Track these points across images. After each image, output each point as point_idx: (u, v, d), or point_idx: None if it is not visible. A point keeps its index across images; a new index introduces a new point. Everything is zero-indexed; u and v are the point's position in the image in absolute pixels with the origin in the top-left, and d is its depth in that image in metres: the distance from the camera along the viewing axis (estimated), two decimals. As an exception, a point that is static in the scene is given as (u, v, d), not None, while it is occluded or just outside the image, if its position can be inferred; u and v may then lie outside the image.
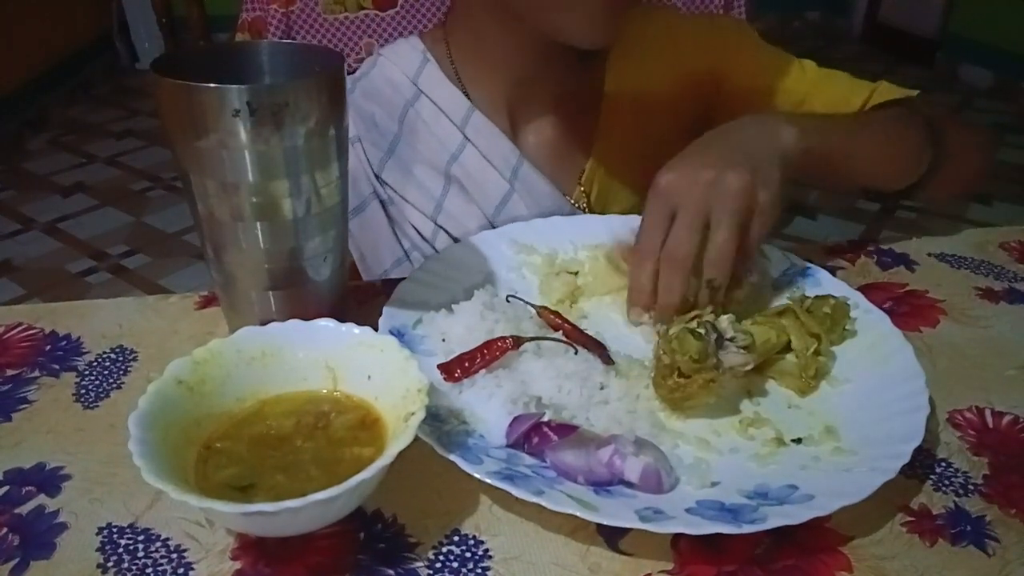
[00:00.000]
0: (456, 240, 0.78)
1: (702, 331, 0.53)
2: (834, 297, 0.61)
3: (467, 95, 0.82)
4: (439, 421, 0.51)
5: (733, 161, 0.58)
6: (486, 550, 0.45)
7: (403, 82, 0.82)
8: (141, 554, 0.45)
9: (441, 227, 0.80)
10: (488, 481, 0.45)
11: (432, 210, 0.80)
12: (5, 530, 0.47)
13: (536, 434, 0.50)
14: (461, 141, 0.80)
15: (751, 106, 0.83)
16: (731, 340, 0.53)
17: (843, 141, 0.68)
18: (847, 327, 0.61)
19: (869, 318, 0.61)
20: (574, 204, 0.83)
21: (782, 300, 0.62)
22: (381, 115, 0.81)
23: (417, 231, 0.81)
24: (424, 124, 0.81)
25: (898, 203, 0.70)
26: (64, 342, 0.63)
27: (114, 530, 0.46)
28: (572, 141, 0.84)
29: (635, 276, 0.61)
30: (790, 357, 0.57)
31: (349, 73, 0.56)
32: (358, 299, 0.67)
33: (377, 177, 0.80)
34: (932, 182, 0.75)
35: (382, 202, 0.81)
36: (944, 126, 0.75)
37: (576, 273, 0.68)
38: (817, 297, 0.61)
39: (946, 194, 0.80)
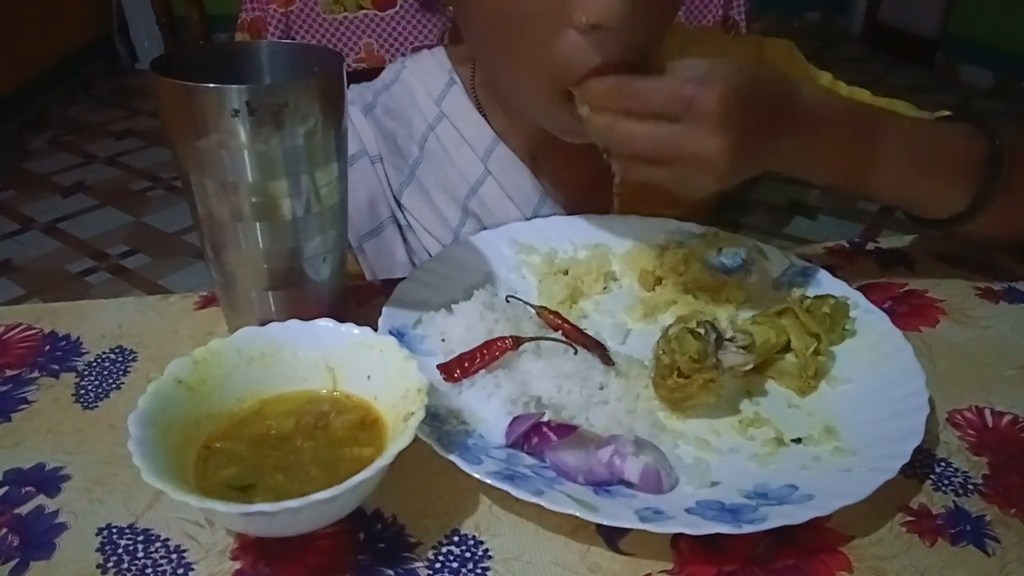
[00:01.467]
0: None
1: (701, 331, 0.53)
2: (834, 297, 0.61)
3: (491, 124, 0.78)
4: (439, 421, 0.51)
5: (752, 164, 0.56)
6: (486, 550, 0.45)
7: (426, 102, 0.79)
8: (141, 554, 0.45)
9: None
10: (488, 481, 0.45)
11: (449, 240, 0.78)
12: (5, 530, 0.47)
13: (536, 434, 0.50)
14: (482, 173, 0.78)
15: None
16: (731, 340, 0.54)
17: (902, 178, 0.63)
18: (847, 327, 0.61)
19: (869, 318, 0.61)
20: None
21: (782, 300, 0.62)
22: (403, 135, 0.79)
23: None
24: (445, 152, 0.78)
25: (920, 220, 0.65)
26: (64, 342, 0.63)
27: (114, 530, 0.46)
28: (597, 179, 0.80)
29: (613, 92, 0.56)
30: (790, 357, 0.57)
31: (348, 73, 0.56)
32: (358, 299, 0.67)
33: (397, 201, 0.78)
34: (982, 214, 0.64)
35: (400, 227, 0.79)
36: (1018, 156, 0.64)
37: (566, 273, 0.67)
38: (817, 297, 0.61)
39: (1005, 236, 0.69)
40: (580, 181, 0.81)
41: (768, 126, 0.57)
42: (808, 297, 0.61)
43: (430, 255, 0.78)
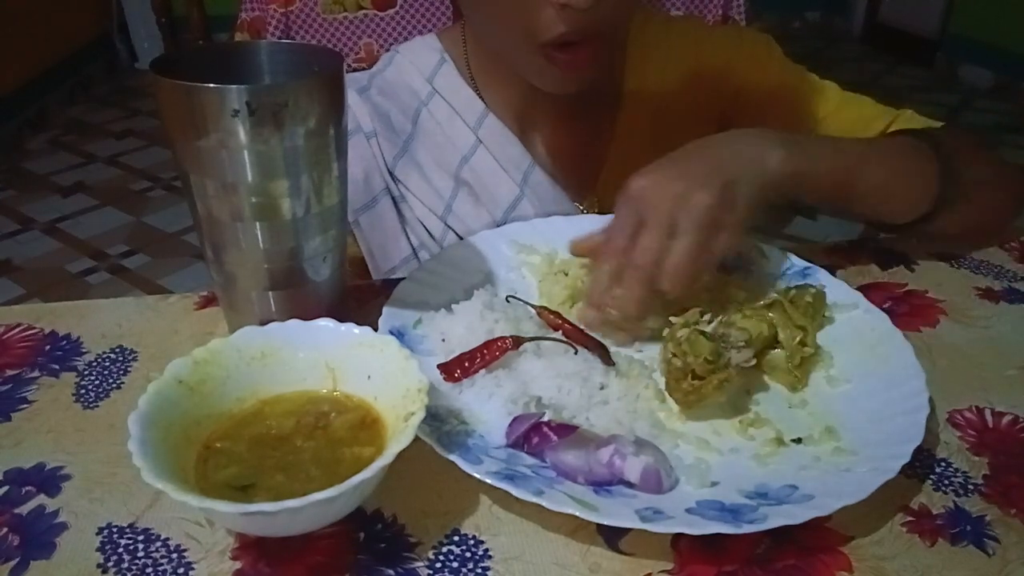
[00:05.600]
0: None
1: (708, 331, 0.53)
2: (812, 286, 0.62)
3: (482, 98, 0.82)
4: (439, 421, 0.51)
5: (705, 178, 0.58)
6: (486, 550, 0.45)
7: (419, 81, 0.82)
8: (141, 554, 0.45)
9: (450, 227, 0.80)
10: (488, 481, 0.45)
11: (442, 210, 0.80)
12: (5, 530, 0.47)
13: (536, 434, 0.50)
14: (474, 143, 0.81)
15: (766, 123, 0.83)
16: (730, 337, 0.54)
17: (839, 168, 0.65)
18: (825, 314, 0.62)
19: (869, 318, 0.61)
20: (585, 211, 0.83)
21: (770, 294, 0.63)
22: (396, 113, 0.81)
23: (427, 230, 0.81)
24: (437, 125, 0.81)
25: (898, 229, 0.69)
26: (64, 342, 0.63)
27: (114, 530, 0.46)
28: (586, 148, 0.84)
29: (595, 274, 0.61)
30: (779, 351, 0.57)
31: (348, 73, 0.56)
32: (358, 299, 0.67)
33: (391, 174, 0.80)
34: (941, 220, 0.70)
35: (394, 199, 0.81)
36: (965, 163, 0.69)
37: (567, 273, 0.68)
38: (798, 287, 0.61)
39: (961, 233, 0.74)
40: (567, 148, 0.84)
41: (698, 151, 0.62)
42: (791, 288, 0.61)
43: (424, 227, 0.81)
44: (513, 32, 0.68)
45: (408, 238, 0.81)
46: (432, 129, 0.81)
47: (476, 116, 0.81)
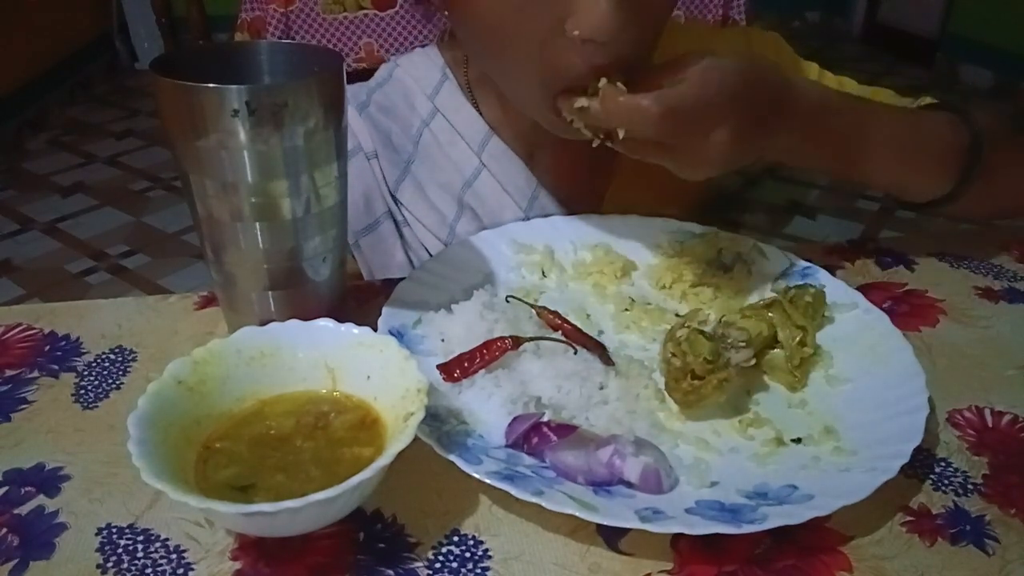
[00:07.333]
0: None
1: (708, 331, 0.53)
2: (812, 286, 0.62)
3: (483, 116, 0.79)
4: (438, 421, 0.51)
5: (754, 151, 0.59)
6: (486, 550, 0.45)
7: (420, 98, 0.79)
8: (141, 555, 0.45)
9: None
10: (488, 481, 0.45)
11: (445, 234, 0.78)
12: (4, 530, 0.47)
13: (536, 434, 0.50)
14: (477, 166, 0.78)
15: None
16: (729, 337, 0.54)
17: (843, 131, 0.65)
18: (825, 314, 0.62)
19: (869, 318, 0.61)
20: None
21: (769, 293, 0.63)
22: (397, 132, 0.79)
23: (429, 253, 0.79)
24: (439, 146, 0.79)
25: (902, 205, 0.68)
26: (63, 342, 0.63)
27: (114, 530, 0.46)
28: (592, 169, 0.82)
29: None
30: (778, 350, 0.57)
31: (348, 73, 0.56)
32: (358, 299, 0.67)
33: (392, 197, 0.78)
34: (963, 197, 0.69)
35: (396, 222, 0.79)
36: (997, 143, 0.69)
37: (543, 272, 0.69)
38: (798, 287, 0.61)
39: (983, 215, 0.74)
40: (574, 172, 0.82)
41: (767, 119, 0.60)
42: (791, 288, 0.61)
43: (427, 250, 0.79)
44: (525, 80, 0.63)
45: (410, 261, 0.79)
46: (434, 151, 0.78)
47: (479, 138, 0.78)
